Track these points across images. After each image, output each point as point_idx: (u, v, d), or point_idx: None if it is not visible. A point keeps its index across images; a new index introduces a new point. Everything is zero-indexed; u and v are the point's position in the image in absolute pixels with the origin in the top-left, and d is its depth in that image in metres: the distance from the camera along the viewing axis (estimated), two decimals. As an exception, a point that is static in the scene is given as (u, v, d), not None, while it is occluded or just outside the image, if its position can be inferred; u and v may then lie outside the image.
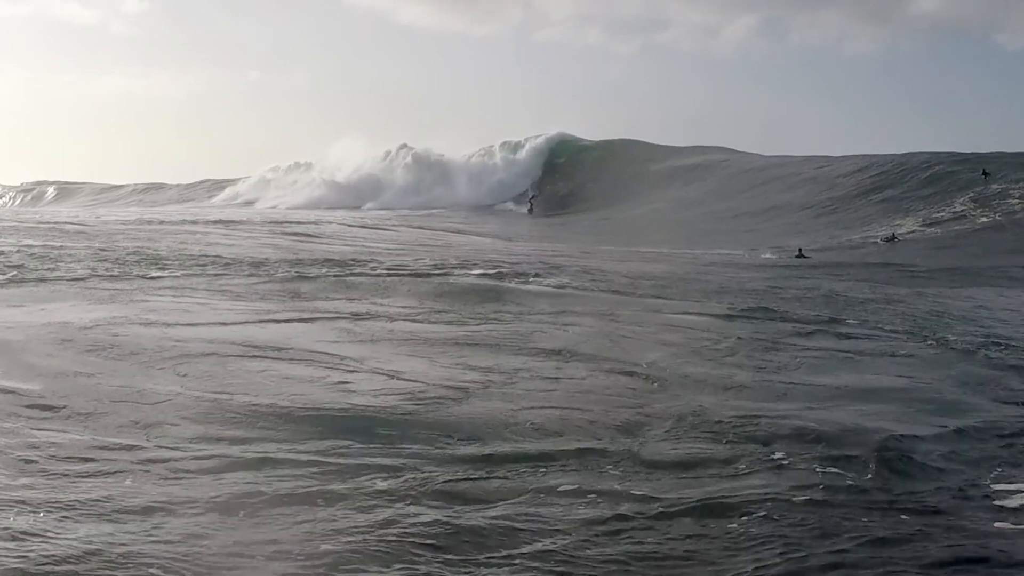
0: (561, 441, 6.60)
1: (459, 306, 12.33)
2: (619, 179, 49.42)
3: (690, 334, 10.69)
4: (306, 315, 11.28)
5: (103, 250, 17.58)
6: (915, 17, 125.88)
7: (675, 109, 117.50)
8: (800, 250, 25.73)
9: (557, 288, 14.46)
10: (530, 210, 49.19)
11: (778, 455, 6.25)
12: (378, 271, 15.74)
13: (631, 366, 8.94)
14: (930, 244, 28.52)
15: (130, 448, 6.11)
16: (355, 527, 4.92)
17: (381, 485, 5.54)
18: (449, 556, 4.66)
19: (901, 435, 6.74)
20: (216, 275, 14.55)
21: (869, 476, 5.89)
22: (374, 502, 5.28)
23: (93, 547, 4.57)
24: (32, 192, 73.97)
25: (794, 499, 5.44)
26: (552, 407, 7.43)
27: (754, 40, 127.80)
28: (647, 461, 6.15)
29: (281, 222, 31.51)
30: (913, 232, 30.78)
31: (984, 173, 35.32)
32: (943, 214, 32.47)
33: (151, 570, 4.36)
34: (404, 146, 59.20)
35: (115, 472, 5.68)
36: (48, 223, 24.94)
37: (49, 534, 4.70)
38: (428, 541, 4.79)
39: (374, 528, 4.91)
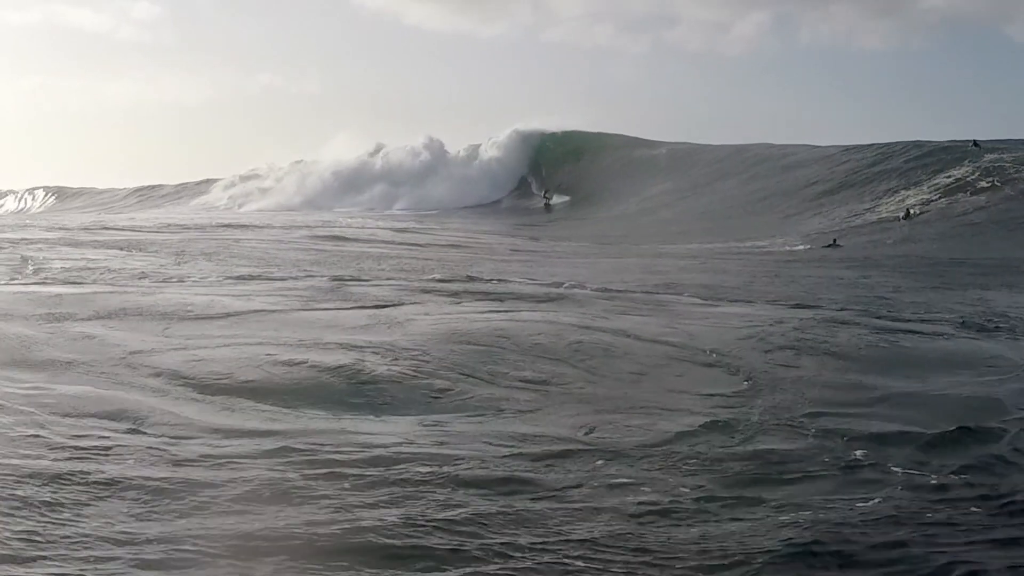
0: (625, 432, 6.74)
1: (512, 303, 12.51)
2: (613, 171, 49.16)
3: (751, 329, 10.71)
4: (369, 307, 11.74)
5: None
6: (925, 11, 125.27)
7: (685, 107, 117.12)
8: (834, 240, 26.20)
9: (607, 294, 14.41)
10: (547, 206, 49.23)
11: (857, 453, 6.22)
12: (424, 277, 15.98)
13: (698, 353, 9.22)
14: (948, 221, 28.76)
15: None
16: (401, 508, 5.06)
17: (423, 468, 5.69)
18: (491, 539, 4.72)
19: (982, 428, 6.78)
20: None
21: (950, 474, 5.82)
22: (420, 484, 5.44)
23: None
24: (32, 196, 73.67)
25: (864, 500, 5.40)
26: (619, 398, 7.65)
27: (765, 37, 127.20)
28: (712, 456, 6.18)
29: (311, 226, 31.73)
30: (926, 206, 31.05)
31: (975, 144, 36.56)
32: (947, 181, 32.79)
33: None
34: (381, 146, 58.77)
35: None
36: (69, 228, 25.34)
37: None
38: (471, 525, 4.86)
39: (418, 510, 5.02)
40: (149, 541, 4.60)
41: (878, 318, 11.76)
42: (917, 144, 38.35)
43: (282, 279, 14.75)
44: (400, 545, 4.64)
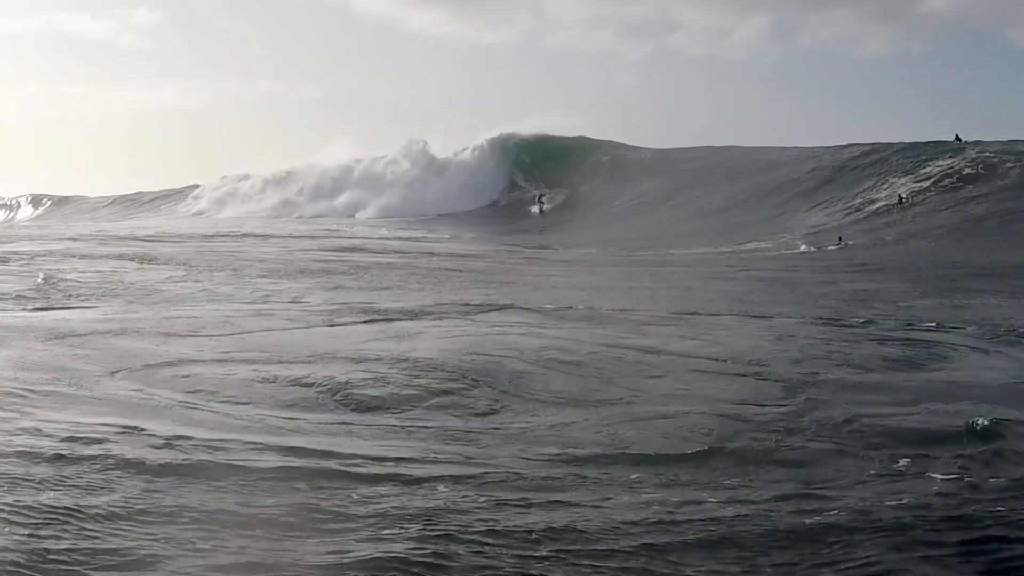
0: (658, 439, 6.79)
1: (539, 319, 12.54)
2: (600, 172, 49.78)
3: (776, 343, 10.77)
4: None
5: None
6: (925, 15, 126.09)
7: (686, 112, 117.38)
8: (840, 238, 26.58)
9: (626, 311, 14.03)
10: (541, 211, 49.48)
11: (893, 455, 6.30)
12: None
13: (728, 364, 9.32)
14: (945, 213, 29.12)
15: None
16: (431, 512, 5.14)
17: (446, 475, 5.78)
18: (510, 544, 4.76)
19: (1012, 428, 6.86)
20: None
21: (988, 478, 5.85)
22: (447, 491, 5.53)
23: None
24: (24, 202, 73.44)
25: (899, 498, 5.44)
26: (652, 406, 7.74)
27: (765, 42, 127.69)
28: (747, 462, 6.25)
29: (316, 236, 31.73)
30: (919, 196, 31.53)
31: (957, 138, 38.09)
32: (936, 170, 33.45)
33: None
34: (358, 161, 58.78)
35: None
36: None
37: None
38: (487, 534, 4.88)
39: (441, 515, 5.07)
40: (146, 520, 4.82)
41: (901, 328, 11.90)
42: (900, 142, 38.92)
43: (297, 296, 14.80)
44: (416, 541, 4.72)
